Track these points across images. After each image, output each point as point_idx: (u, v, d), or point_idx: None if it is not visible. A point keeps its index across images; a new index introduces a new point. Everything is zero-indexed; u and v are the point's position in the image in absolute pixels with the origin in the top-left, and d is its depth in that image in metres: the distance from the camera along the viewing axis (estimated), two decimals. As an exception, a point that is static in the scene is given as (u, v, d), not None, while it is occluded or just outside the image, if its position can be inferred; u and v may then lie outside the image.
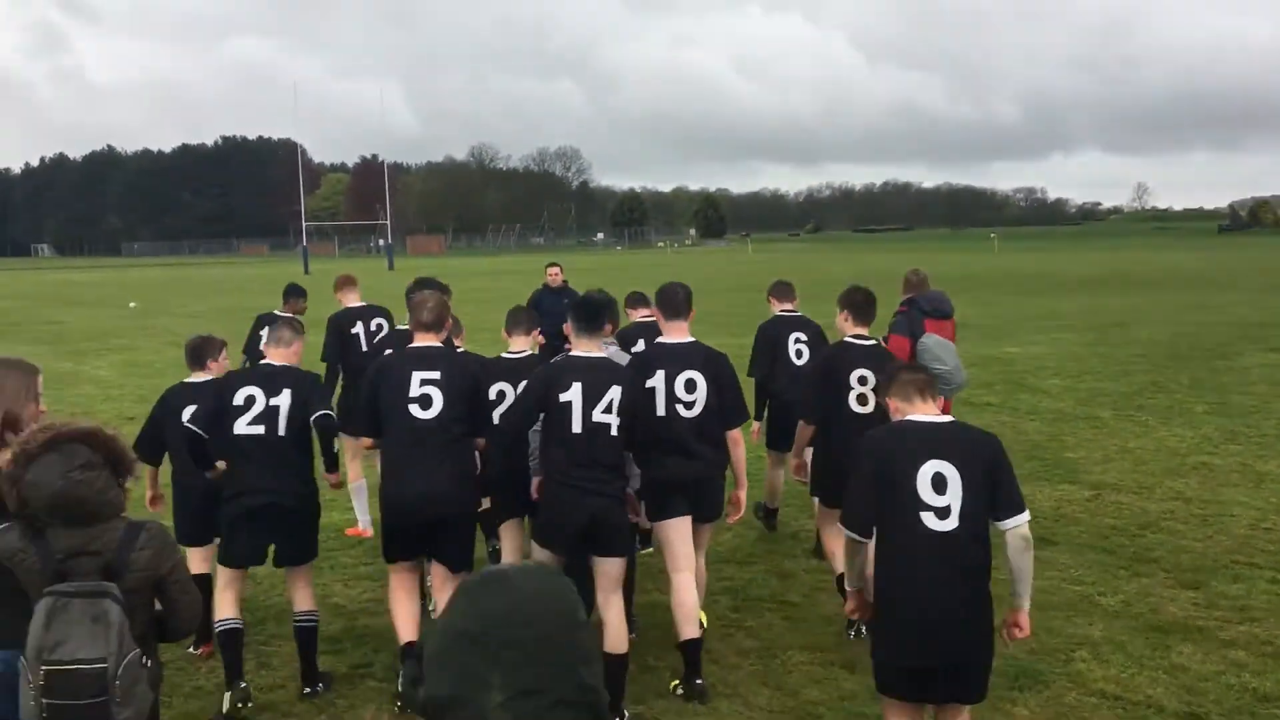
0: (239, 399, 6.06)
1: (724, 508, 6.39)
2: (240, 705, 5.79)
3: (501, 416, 6.26)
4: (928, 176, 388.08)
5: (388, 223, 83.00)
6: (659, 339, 6.37)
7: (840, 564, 6.20)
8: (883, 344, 7.15)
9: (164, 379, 19.17)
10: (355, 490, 9.05)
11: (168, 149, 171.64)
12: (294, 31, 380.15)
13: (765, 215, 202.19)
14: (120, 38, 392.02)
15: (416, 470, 5.85)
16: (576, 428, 5.68)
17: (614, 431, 5.73)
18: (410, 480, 5.86)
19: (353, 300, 9.78)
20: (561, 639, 2.49)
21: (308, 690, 6.07)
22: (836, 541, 6.28)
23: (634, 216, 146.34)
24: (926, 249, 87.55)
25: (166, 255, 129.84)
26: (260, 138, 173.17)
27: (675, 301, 6.28)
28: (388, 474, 6.04)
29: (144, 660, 3.72)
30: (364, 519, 9.24)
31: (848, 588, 4.70)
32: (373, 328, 9.51)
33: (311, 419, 6.14)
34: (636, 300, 8.54)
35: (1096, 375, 16.91)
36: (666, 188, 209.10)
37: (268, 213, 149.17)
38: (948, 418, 4.64)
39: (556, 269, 13.76)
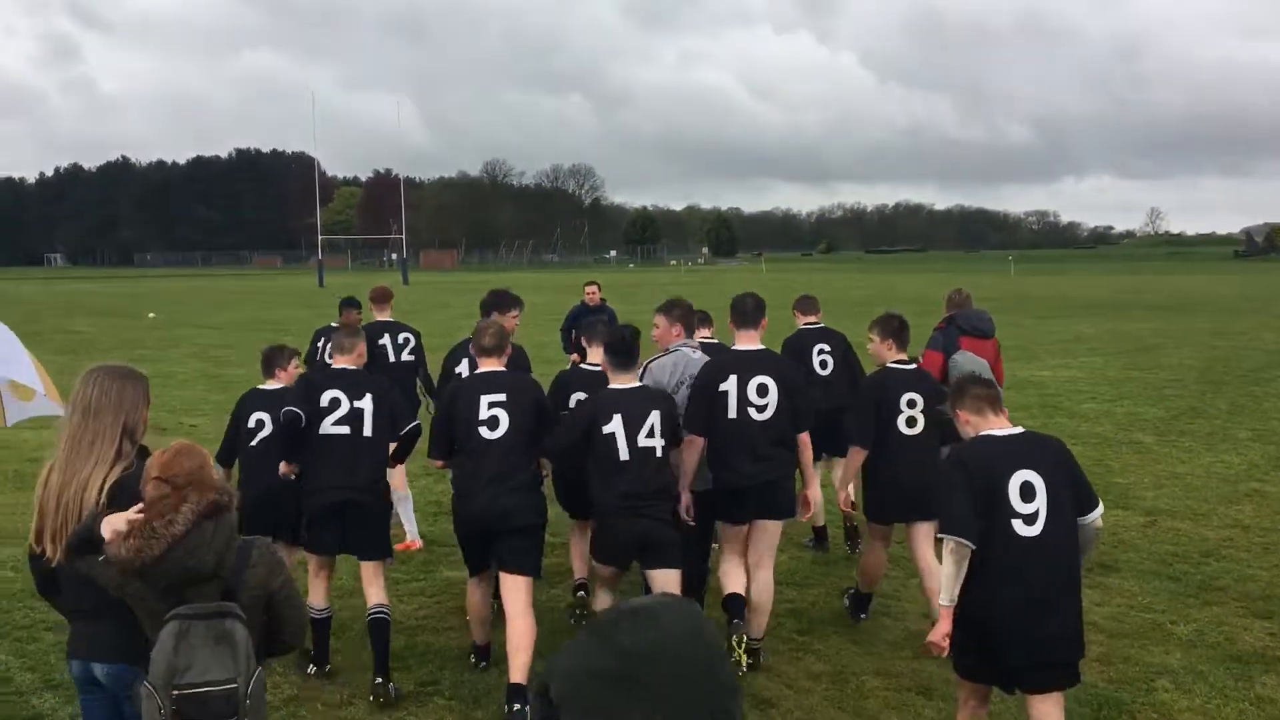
0: (325, 400, 6.36)
1: (794, 507, 6.67)
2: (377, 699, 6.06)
3: (548, 441, 6.36)
4: (938, 198, 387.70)
5: (403, 237, 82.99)
6: (733, 346, 6.74)
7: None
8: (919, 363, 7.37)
9: (191, 391, 19.17)
10: (401, 501, 9.02)
11: (181, 160, 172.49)
12: (306, 45, 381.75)
13: (776, 235, 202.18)
14: (133, 49, 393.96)
15: (488, 485, 6.11)
16: (624, 455, 6.03)
17: (658, 454, 6.10)
18: (482, 495, 6.12)
19: (384, 314, 10.04)
20: (707, 672, 2.45)
21: (379, 680, 6.11)
22: (875, 558, 7.06)
23: (646, 235, 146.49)
24: (942, 270, 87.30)
25: (179, 266, 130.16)
26: (274, 150, 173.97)
27: (746, 311, 6.68)
28: (461, 491, 6.30)
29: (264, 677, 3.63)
30: (412, 530, 9.29)
31: (942, 603, 4.70)
32: (400, 341, 9.74)
33: (403, 431, 6.52)
34: (700, 320, 8.45)
35: (1133, 400, 16.78)
36: (677, 206, 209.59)
37: (280, 225, 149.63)
38: (1020, 428, 4.90)
39: (595, 288, 13.71)
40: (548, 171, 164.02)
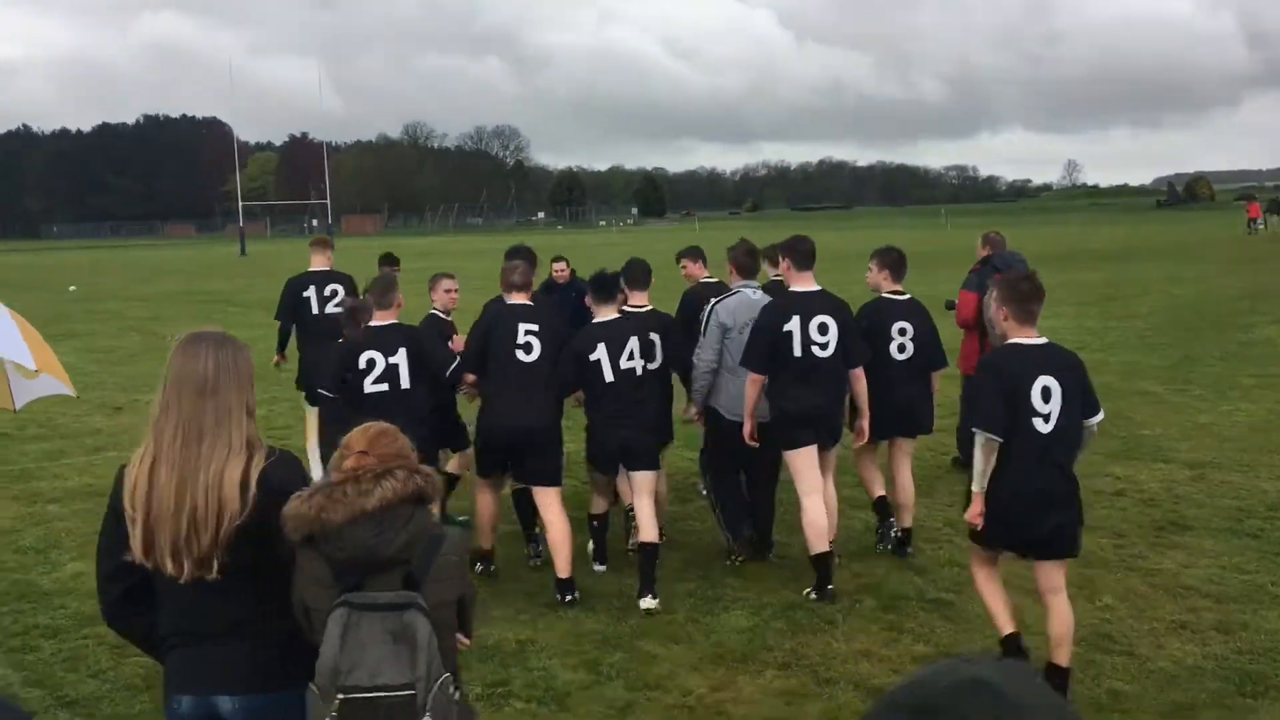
0: (361, 363, 6.89)
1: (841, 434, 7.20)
2: None
3: (556, 375, 7.04)
4: (859, 155, 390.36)
5: (327, 202, 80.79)
6: (792, 288, 7.04)
7: (875, 489, 7.62)
8: (917, 300, 7.68)
9: (141, 366, 18.03)
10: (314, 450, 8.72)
11: (86, 128, 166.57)
12: (213, 7, 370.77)
13: (702, 194, 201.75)
14: (29, 12, 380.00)
15: (516, 402, 6.92)
16: (609, 378, 6.91)
17: (638, 373, 6.98)
18: (510, 411, 6.93)
19: (320, 264, 9.88)
20: None
21: None
22: (870, 470, 7.67)
23: (573, 196, 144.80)
24: (875, 226, 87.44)
25: (89, 238, 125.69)
26: (185, 116, 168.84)
27: (804, 253, 7.03)
28: (489, 406, 7.10)
29: (455, 688, 2.96)
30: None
31: (974, 489, 5.33)
32: (326, 293, 9.62)
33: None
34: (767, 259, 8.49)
35: (1125, 349, 16.46)
36: (602, 166, 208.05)
37: (194, 193, 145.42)
38: (1044, 339, 5.44)
39: (563, 264, 11.37)
40: (471, 133, 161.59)
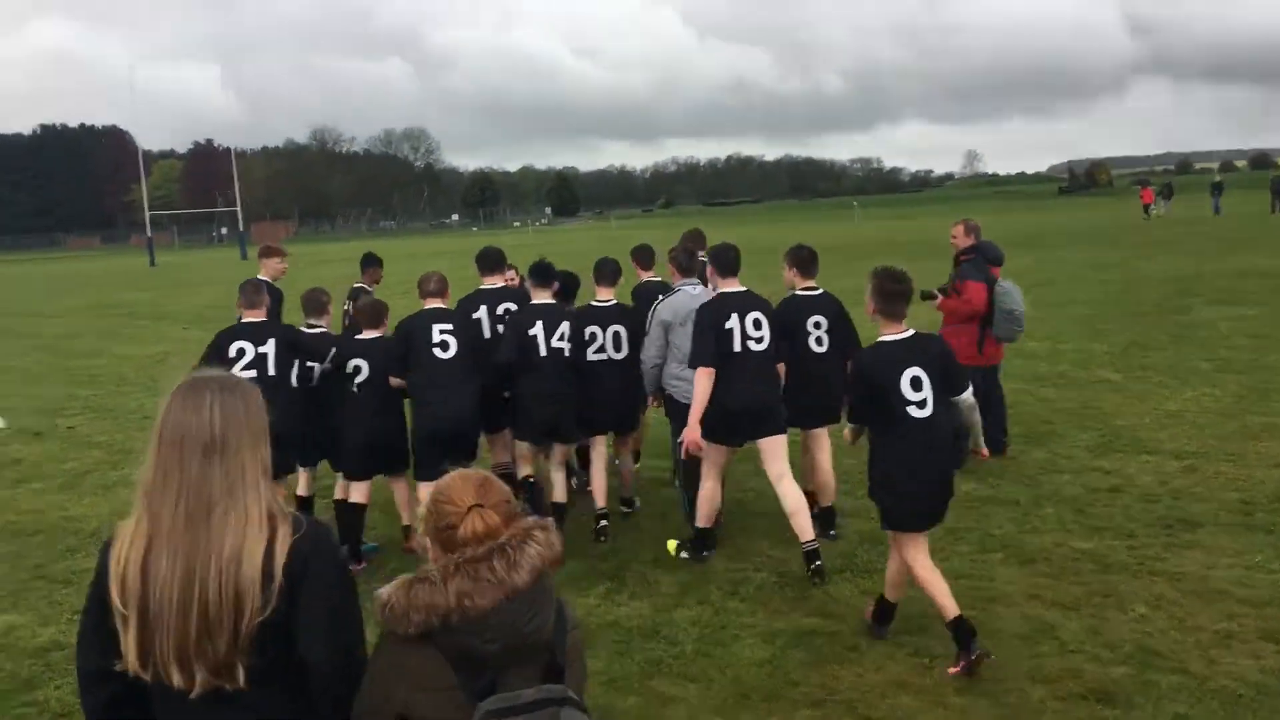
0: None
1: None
2: None
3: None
4: (763, 149, 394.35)
5: (238, 209, 78.70)
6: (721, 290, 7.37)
7: (809, 482, 7.94)
8: (831, 295, 7.85)
9: (53, 388, 17.01)
10: None
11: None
12: (101, 14, 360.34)
13: (614, 192, 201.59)
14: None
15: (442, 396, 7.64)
16: (542, 352, 7.86)
17: (566, 354, 7.92)
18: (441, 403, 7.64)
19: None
20: None
21: None
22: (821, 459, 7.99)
23: (486, 197, 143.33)
24: (789, 221, 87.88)
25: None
26: (83, 125, 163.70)
27: (728, 261, 7.36)
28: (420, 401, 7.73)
29: None
30: None
31: (852, 426, 6.00)
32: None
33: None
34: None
35: (1072, 337, 16.33)
36: (512, 167, 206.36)
37: (95, 204, 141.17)
38: (911, 331, 5.80)
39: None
40: (380, 136, 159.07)
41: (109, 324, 27.54)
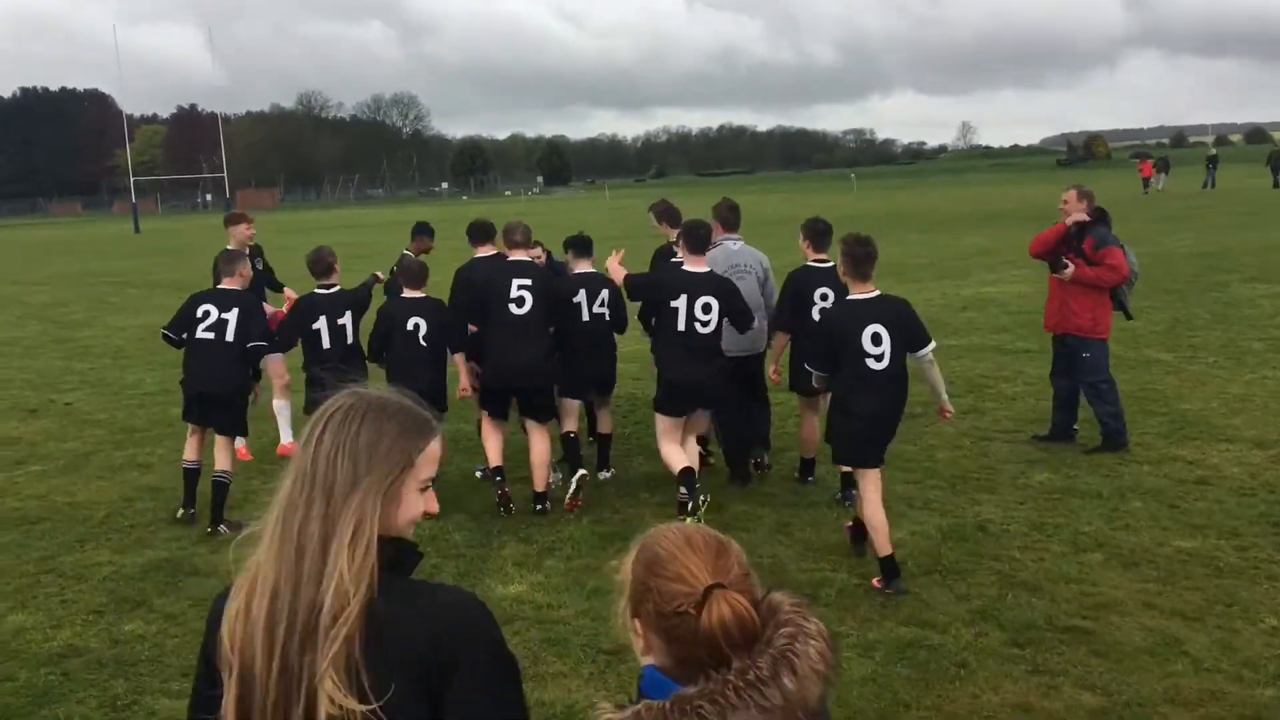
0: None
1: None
2: None
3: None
4: (752, 120, 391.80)
5: (224, 176, 77.51)
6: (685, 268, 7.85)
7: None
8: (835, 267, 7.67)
9: (46, 360, 16.32)
10: (281, 410, 10.07)
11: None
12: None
13: (604, 161, 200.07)
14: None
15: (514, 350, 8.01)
16: (585, 317, 8.27)
17: (607, 319, 8.35)
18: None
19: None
20: None
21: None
22: (809, 426, 8.34)
23: (476, 165, 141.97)
24: (784, 191, 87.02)
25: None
26: (64, 89, 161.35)
27: (698, 238, 7.83)
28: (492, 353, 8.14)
29: None
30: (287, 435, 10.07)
31: (817, 374, 6.68)
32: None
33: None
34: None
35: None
36: (500, 134, 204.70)
37: (77, 170, 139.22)
38: (876, 292, 6.44)
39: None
40: (368, 103, 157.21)
41: (98, 292, 26.77)
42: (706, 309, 7.51)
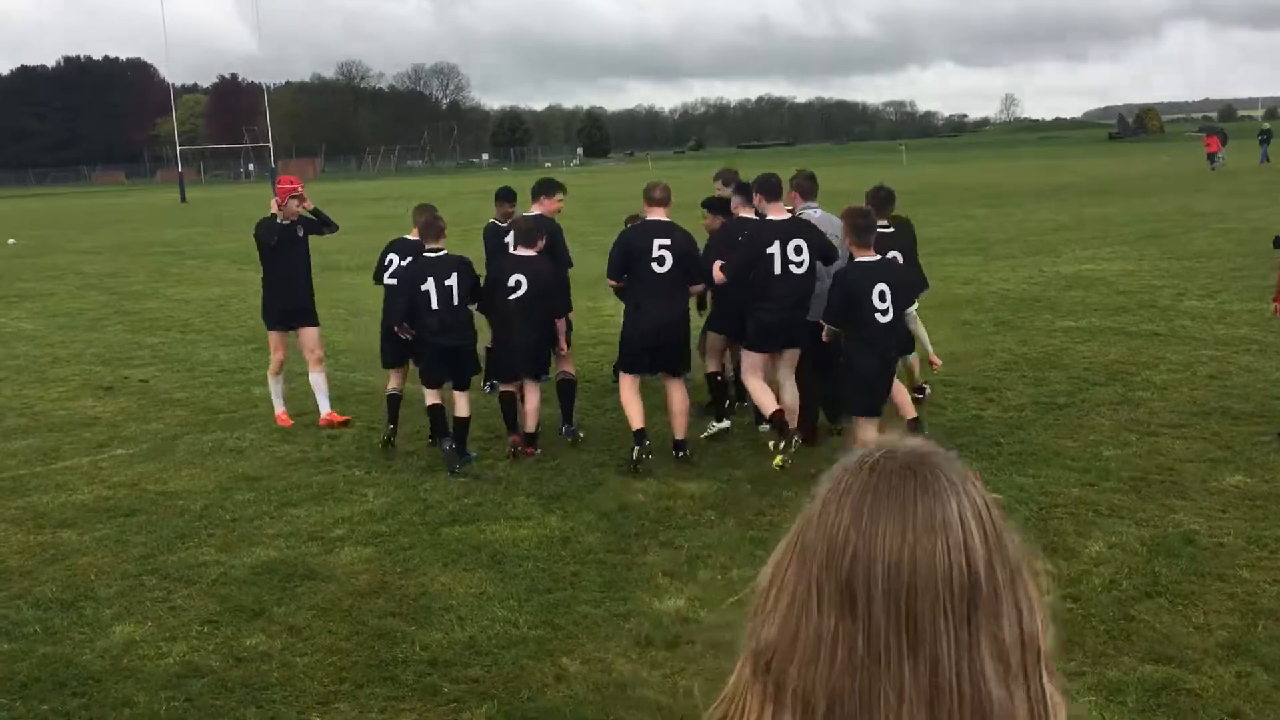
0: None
1: None
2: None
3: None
4: (789, 91, 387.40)
5: (270, 146, 77.04)
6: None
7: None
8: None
9: (112, 334, 15.77)
10: (318, 383, 10.14)
11: (4, 72, 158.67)
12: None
13: (643, 133, 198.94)
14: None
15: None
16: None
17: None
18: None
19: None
20: None
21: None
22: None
23: (515, 136, 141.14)
24: (830, 164, 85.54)
25: (11, 185, 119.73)
26: (107, 58, 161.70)
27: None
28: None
29: None
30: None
31: (829, 328, 7.53)
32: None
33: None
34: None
35: (1233, 295, 14.76)
36: (538, 106, 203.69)
37: (119, 138, 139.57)
38: (879, 256, 7.47)
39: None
40: (409, 73, 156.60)
41: (156, 263, 26.28)
42: (799, 250, 7.99)
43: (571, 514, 7.41)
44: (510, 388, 8.94)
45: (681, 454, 8.36)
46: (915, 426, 8.35)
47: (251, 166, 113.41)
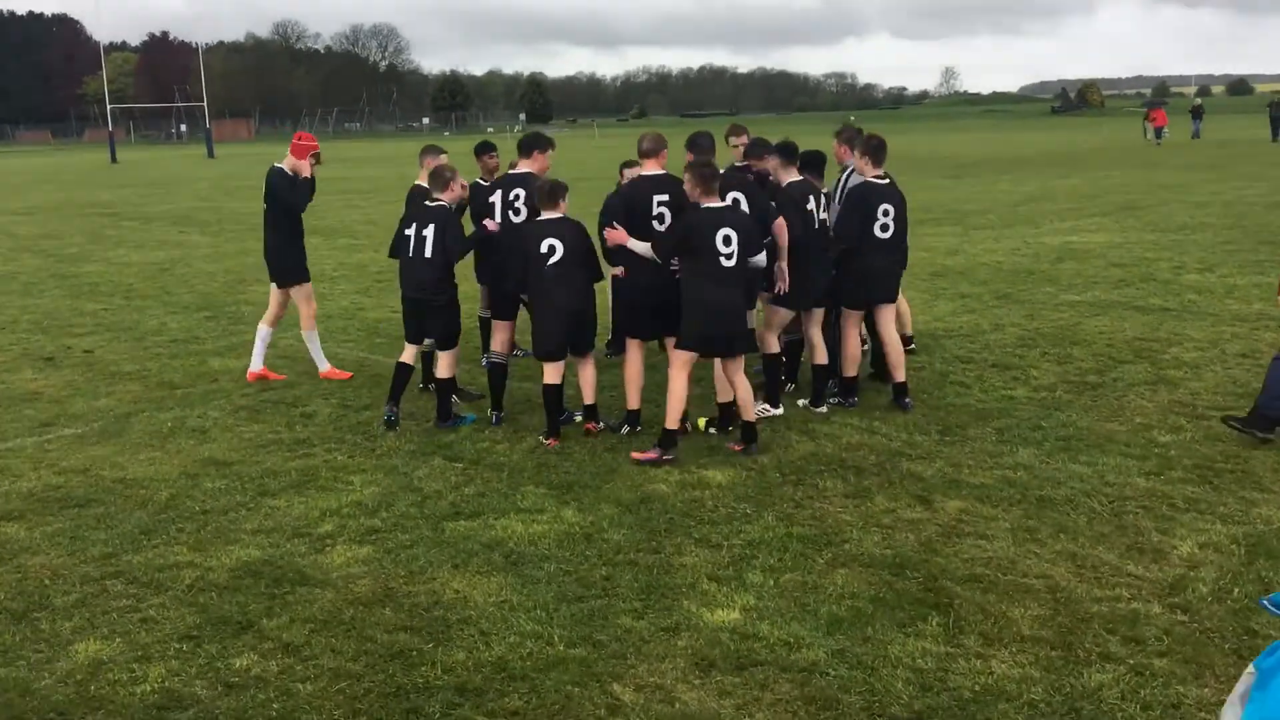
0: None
1: None
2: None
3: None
4: (727, 61, 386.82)
5: (205, 106, 74.61)
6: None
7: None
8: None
9: (50, 299, 14.64)
10: (311, 338, 10.02)
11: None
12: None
13: (584, 100, 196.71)
14: None
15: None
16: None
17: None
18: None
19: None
20: None
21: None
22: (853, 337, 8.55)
23: (456, 101, 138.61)
24: (780, 131, 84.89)
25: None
26: (31, 14, 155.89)
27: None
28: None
29: None
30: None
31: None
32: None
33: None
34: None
35: (1230, 268, 14.31)
36: (475, 71, 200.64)
37: (45, 97, 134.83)
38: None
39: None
40: (346, 33, 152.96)
41: (91, 225, 24.90)
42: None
43: (589, 506, 6.64)
44: (500, 358, 8.54)
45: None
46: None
47: (184, 127, 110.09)
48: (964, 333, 11.04)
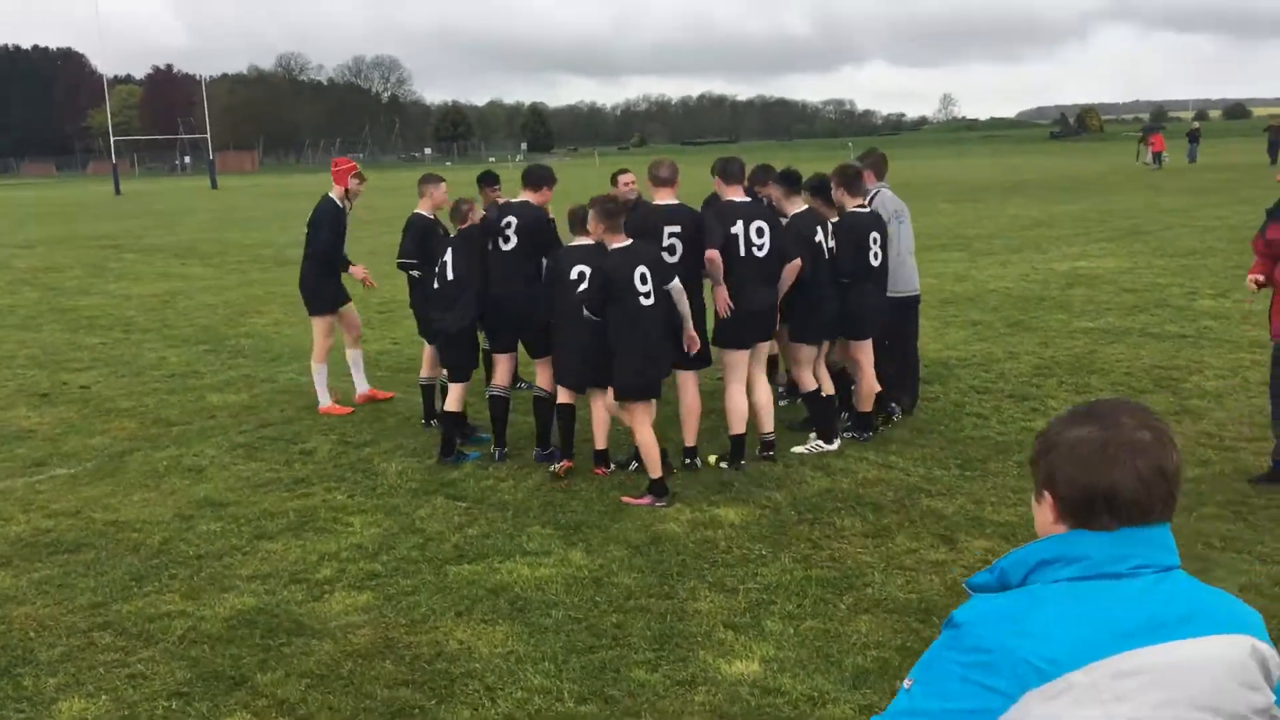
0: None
1: None
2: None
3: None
4: (726, 89, 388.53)
5: (208, 138, 74.78)
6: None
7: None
8: None
9: (49, 334, 14.41)
10: (355, 360, 10.11)
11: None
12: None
13: (584, 130, 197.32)
14: None
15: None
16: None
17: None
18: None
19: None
20: None
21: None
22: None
23: (458, 131, 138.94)
24: (781, 158, 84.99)
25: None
26: (36, 48, 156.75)
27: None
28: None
29: None
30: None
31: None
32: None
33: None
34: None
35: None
36: (476, 101, 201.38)
37: (50, 129, 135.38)
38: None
39: (630, 176, 9.68)
40: (349, 64, 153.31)
41: (93, 257, 24.74)
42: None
43: (597, 548, 6.39)
44: (501, 391, 8.34)
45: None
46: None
47: (188, 159, 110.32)
48: (978, 361, 10.80)
